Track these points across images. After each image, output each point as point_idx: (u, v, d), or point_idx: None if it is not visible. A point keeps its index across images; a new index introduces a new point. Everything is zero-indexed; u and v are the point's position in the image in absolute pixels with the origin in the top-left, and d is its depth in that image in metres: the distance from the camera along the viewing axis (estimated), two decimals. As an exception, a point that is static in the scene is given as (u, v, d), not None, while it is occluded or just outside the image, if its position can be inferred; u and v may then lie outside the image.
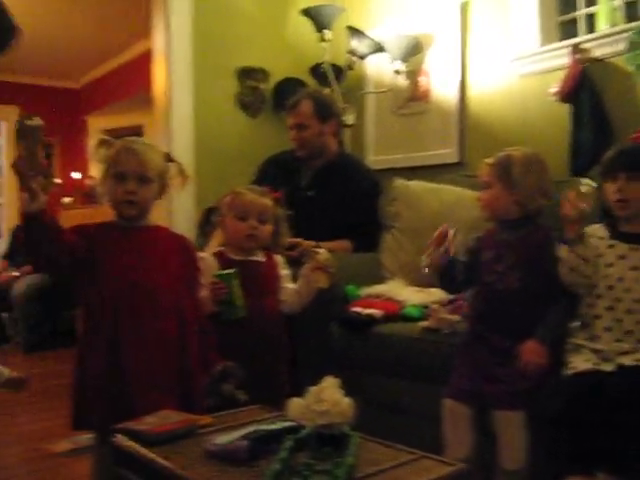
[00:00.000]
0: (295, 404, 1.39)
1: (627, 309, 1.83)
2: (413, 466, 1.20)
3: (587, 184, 1.95)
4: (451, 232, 2.03)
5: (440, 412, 1.93)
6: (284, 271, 2.26)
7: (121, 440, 1.39)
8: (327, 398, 1.34)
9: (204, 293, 2.05)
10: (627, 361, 1.75)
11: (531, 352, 1.84)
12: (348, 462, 1.09)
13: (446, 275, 2.06)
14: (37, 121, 1.73)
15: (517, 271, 1.95)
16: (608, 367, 1.76)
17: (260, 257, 2.20)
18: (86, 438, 2.77)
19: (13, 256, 5.66)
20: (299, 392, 1.44)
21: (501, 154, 2.03)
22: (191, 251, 1.98)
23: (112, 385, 1.70)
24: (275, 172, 3.11)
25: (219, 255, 2.17)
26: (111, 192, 1.82)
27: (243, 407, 1.68)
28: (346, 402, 1.35)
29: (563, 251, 1.87)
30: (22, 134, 1.71)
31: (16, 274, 5.53)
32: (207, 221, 3.23)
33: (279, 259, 2.27)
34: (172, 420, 1.45)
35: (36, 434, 3.08)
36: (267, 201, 2.19)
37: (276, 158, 3.26)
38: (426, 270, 2.07)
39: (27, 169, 1.65)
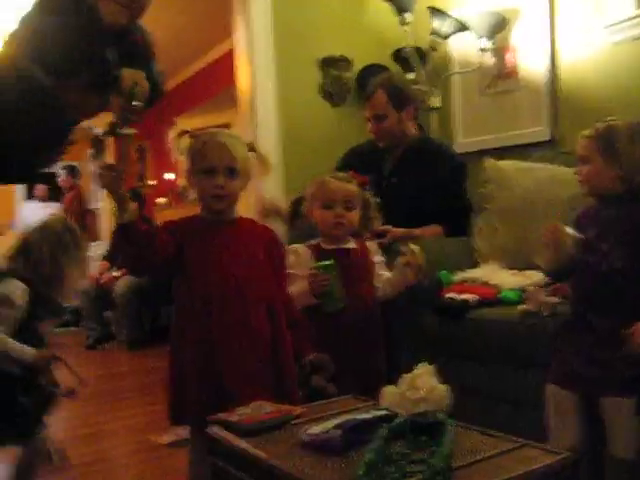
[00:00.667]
0: (389, 392, 1.36)
1: None
2: (515, 455, 1.14)
3: None
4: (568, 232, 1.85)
5: (542, 399, 1.85)
6: (377, 257, 2.22)
7: (216, 431, 1.40)
8: (422, 385, 1.31)
9: (301, 285, 2.04)
10: None
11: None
12: (445, 451, 1.05)
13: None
14: (130, 130, 1.75)
15: (623, 249, 1.80)
16: None
17: (352, 244, 2.17)
18: (188, 430, 2.86)
19: (113, 257, 5.87)
20: (392, 380, 1.41)
21: (601, 125, 1.88)
22: (277, 242, 1.97)
23: (206, 378, 1.70)
24: (357, 162, 3.07)
25: (312, 246, 2.16)
26: (199, 187, 1.82)
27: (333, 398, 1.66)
28: (441, 389, 1.31)
29: None
30: (114, 140, 1.74)
31: (116, 274, 5.74)
32: (295, 213, 3.24)
33: (372, 246, 2.23)
34: (266, 411, 1.44)
35: (141, 426, 3.19)
36: (352, 187, 2.15)
37: (357, 149, 3.23)
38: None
39: (116, 178, 1.66)
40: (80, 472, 2.53)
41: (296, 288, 2.05)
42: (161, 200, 8.45)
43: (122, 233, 1.68)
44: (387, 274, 2.17)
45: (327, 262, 2.05)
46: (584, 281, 1.91)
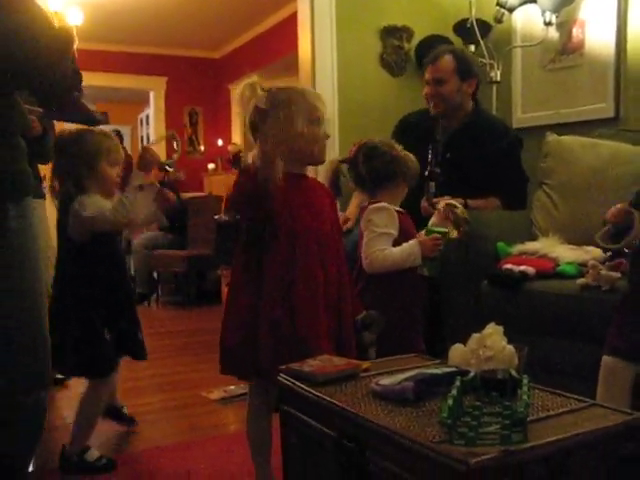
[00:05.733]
0: (458, 350, 1.39)
1: None
2: (585, 413, 1.17)
3: None
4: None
5: (597, 373, 1.86)
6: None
7: (287, 381, 1.45)
8: (491, 344, 1.34)
9: (411, 245, 2.11)
10: None
11: None
12: (525, 400, 1.08)
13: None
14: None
15: None
16: None
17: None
18: (237, 387, 2.94)
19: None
20: (442, 350, 1.44)
21: None
22: (334, 200, 2.01)
23: (284, 329, 1.73)
24: (412, 134, 3.06)
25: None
26: (308, 137, 1.78)
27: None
28: (510, 349, 1.34)
29: None
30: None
31: None
32: (337, 174, 3.27)
33: None
34: (335, 363, 1.49)
35: (193, 382, 3.28)
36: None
37: (409, 120, 3.20)
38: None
39: None
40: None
41: (405, 248, 2.12)
42: (210, 166, 8.55)
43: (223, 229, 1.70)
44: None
45: (443, 229, 2.15)
46: None
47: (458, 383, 1.17)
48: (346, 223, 2.69)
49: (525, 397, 1.11)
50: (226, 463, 2.22)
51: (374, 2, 3.82)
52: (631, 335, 1.82)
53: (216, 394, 3.03)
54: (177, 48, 8.36)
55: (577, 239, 2.42)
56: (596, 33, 3.30)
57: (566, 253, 2.33)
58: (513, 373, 1.22)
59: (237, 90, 1.79)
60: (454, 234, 2.19)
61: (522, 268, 2.30)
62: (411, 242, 2.12)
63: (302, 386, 1.40)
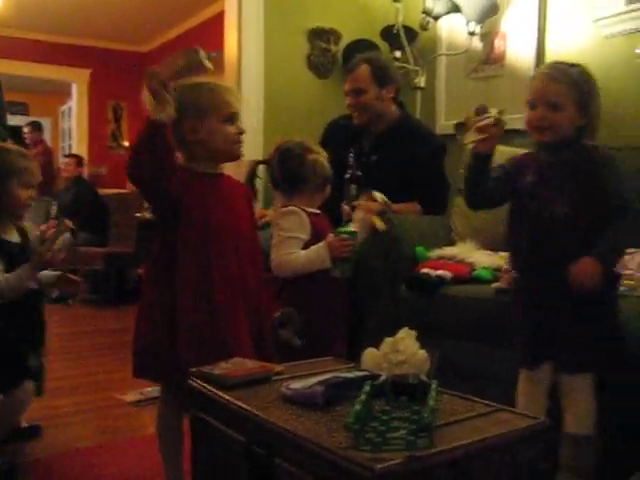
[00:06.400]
0: (370, 354, 1.39)
1: None
2: (491, 417, 1.18)
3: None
4: (493, 112, 1.82)
5: (511, 375, 1.89)
6: None
7: (197, 383, 1.41)
8: (404, 349, 1.34)
9: (318, 248, 2.10)
10: None
11: (585, 268, 1.66)
12: (431, 406, 1.08)
13: (478, 174, 1.88)
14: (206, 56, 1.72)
15: (566, 195, 1.75)
16: None
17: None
18: (153, 389, 2.87)
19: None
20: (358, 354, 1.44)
21: (574, 70, 1.81)
22: (252, 200, 2.01)
23: (205, 332, 1.69)
24: (339, 137, 3.08)
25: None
26: (217, 135, 1.75)
27: (299, 352, 1.71)
28: (422, 354, 1.34)
29: None
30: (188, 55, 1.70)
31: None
32: (254, 174, 3.27)
33: None
34: (247, 366, 1.47)
35: (108, 384, 3.19)
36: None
37: (338, 122, 3.21)
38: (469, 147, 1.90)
39: (162, 83, 1.62)
40: (43, 425, 2.53)
41: (311, 251, 2.11)
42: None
43: (154, 129, 1.60)
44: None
45: (352, 229, 2.14)
46: (524, 235, 1.85)
47: (367, 388, 1.16)
48: (262, 219, 2.68)
49: (431, 402, 1.11)
50: (139, 467, 2.16)
51: (302, 4, 3.83)
52: (528, 346, 1.84)
53: (131, 396, 2.96)
54: (102, 40, 8.16)
55: (493, 245, 2.46)
56: (517, 45, 3.39)
57: (482, 258, 2.38)
58: (423, 378, 1.23)
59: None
60: (379, 224, 2.21)
61: (439, 272, 2.33)
62: (319, 245, 2.11)
63: (212, 389, 1.37)
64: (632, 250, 2.36)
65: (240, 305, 1.74)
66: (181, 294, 1.70)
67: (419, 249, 2.51)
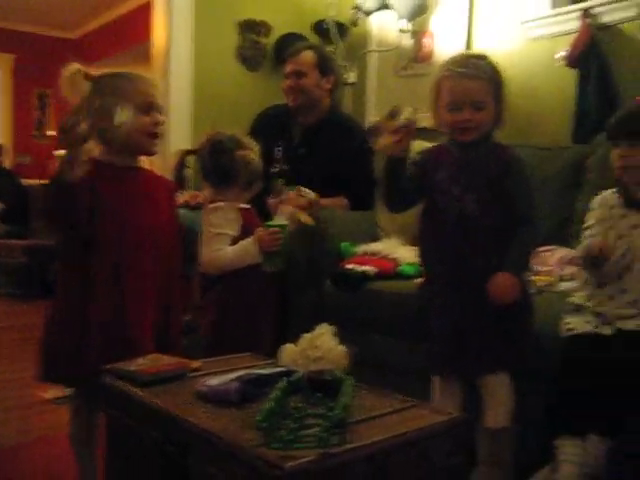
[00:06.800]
0: (288, 350, 1.37)
1: (637, 278, 1.75)
2: (406, 413, 1.19)
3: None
4: (406, 113, 1.76)
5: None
6: None
7: (111, 381, 1.38)
8: (321, 345, 1.33)
9: (247, 242, 2.07)
10: (628, 326, 1.70)
11: (502, 284, 1.69)
12: (342, 404, 1.08)
13: (394, 177, 1.83)
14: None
15: (475, 193, 1.75)
16: (607, 330, 1.72)
17: None
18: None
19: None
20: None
21: (487, 66, 1.80)
22: (173, 193, 1.97)
23: (113, 329, 1.66)
24: (268, 128, 3.06)
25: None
26: (135, 126, 1.70)
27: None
28: (340, 349, 1.34)
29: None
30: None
31: None
32: (183, 164, 3.23)
33: None
34: (163, 362, 1.44)
35: (27, 381, 3.08)
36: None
37: (268, 113, 3.19)
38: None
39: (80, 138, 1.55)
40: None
41: (239, 247, 2.09)
42: (60, 152, 8.12)
43: (63, 189, 1.56)
44: None
45: (283, 222, 2.12)
46: (433, 234, 1.86)
47: (282, 384, 1.15)
48: (196, 198, 2.64)
49: (344, 399, 1.11)
50: (56, 465, 2.10)
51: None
52: (441, 353, 1.84)
53: (51, 393, 2.86)
54: (27, 24, 7.86)
55: (417, 240, 2.47)
56: (445, 44, 3.43)
57: (406, 254, 2.39)
58: (338, 374, 1.22)
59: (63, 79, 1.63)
60: (305, 219, 2.20)
61: (364, 268, 2.34)
62: (247, 240, 2.09)
63: (126, 386, 1.34)
64: (552, 247, 2.43)
65: (149, 304, 1.71)
66: (93, 293, 1.65)
67: (344, 244, 2.51)
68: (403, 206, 1.98)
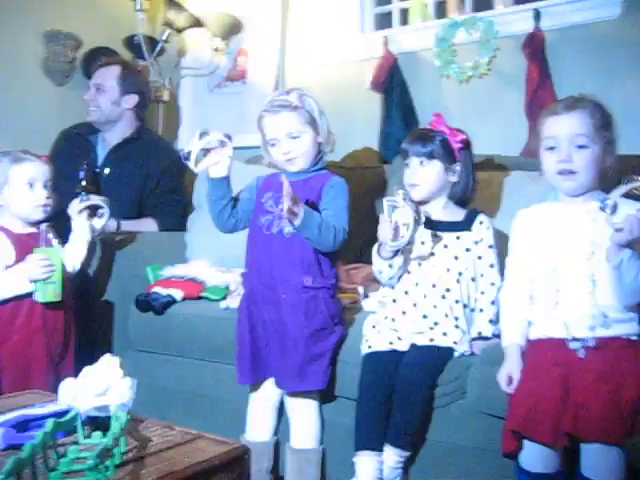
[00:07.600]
0: (67, 386, 1.29)
1: (424, 293, 1.82)
2: (187, 447, 1.15)
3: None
4: (215, 135, 1.85)
5: (242, 392, 1.94)
6: None
7: None
8: (103, 378, 1.25)
9: (14, 271, 1.92)
10: (420, 341, 1.77)
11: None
12: (104, 443, 1.01)
13: (219, 198, 1.92)
14: None
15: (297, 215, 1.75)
16: (403, 347, 1.78)
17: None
18: None
19: None
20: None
21: (283, 98, 1.88)
22: None
23: None
24: (70, 147, 2.94)
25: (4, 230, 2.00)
26: None
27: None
28: (125, 382, 1.27)
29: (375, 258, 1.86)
30: None
31: None
32: None
33: None
34: None
35: None
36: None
37: (71, 132, 3.04)
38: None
39: None
40: None
41: (7, 275, 1.92)
42: None
43: None
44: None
45: (54, 247, 1.97)
46: (257, 244, 1.91)
47: (48, 427, 1.05)
48: None
49: (113, 437, 1.04)
50: None
51: (37, 2, 3.52)
52: (252, 371, 1.88)
53: None
54: None
55: (226, 262, 2.44)
56: (259, 65, 3.45)
57: (213, 277, 2.35)
58: (113, 410, 1.15)
59: None
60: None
61: (170, 291, 2.27)
62: (9, 269, 1.94)
63: None
64: (358, 265, 2.50)
65: None
66: None
67: (151, 267, 2.43)
68: (232, 227, 1.99)
